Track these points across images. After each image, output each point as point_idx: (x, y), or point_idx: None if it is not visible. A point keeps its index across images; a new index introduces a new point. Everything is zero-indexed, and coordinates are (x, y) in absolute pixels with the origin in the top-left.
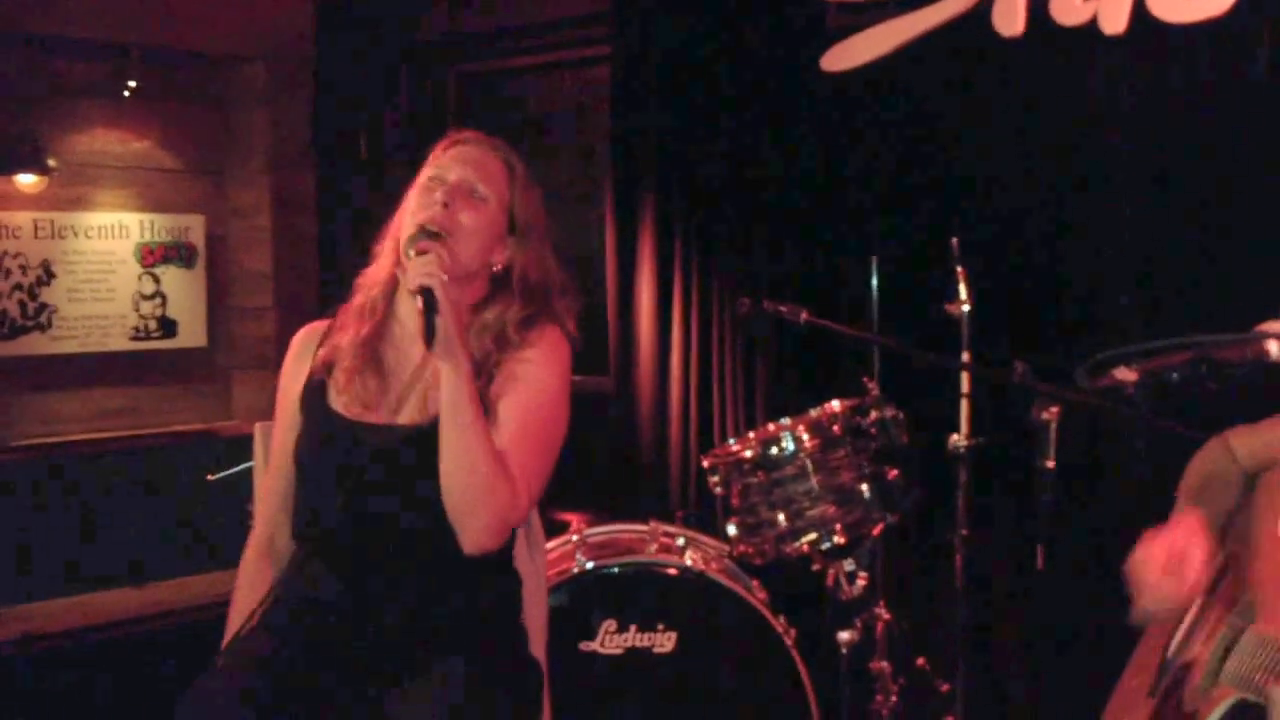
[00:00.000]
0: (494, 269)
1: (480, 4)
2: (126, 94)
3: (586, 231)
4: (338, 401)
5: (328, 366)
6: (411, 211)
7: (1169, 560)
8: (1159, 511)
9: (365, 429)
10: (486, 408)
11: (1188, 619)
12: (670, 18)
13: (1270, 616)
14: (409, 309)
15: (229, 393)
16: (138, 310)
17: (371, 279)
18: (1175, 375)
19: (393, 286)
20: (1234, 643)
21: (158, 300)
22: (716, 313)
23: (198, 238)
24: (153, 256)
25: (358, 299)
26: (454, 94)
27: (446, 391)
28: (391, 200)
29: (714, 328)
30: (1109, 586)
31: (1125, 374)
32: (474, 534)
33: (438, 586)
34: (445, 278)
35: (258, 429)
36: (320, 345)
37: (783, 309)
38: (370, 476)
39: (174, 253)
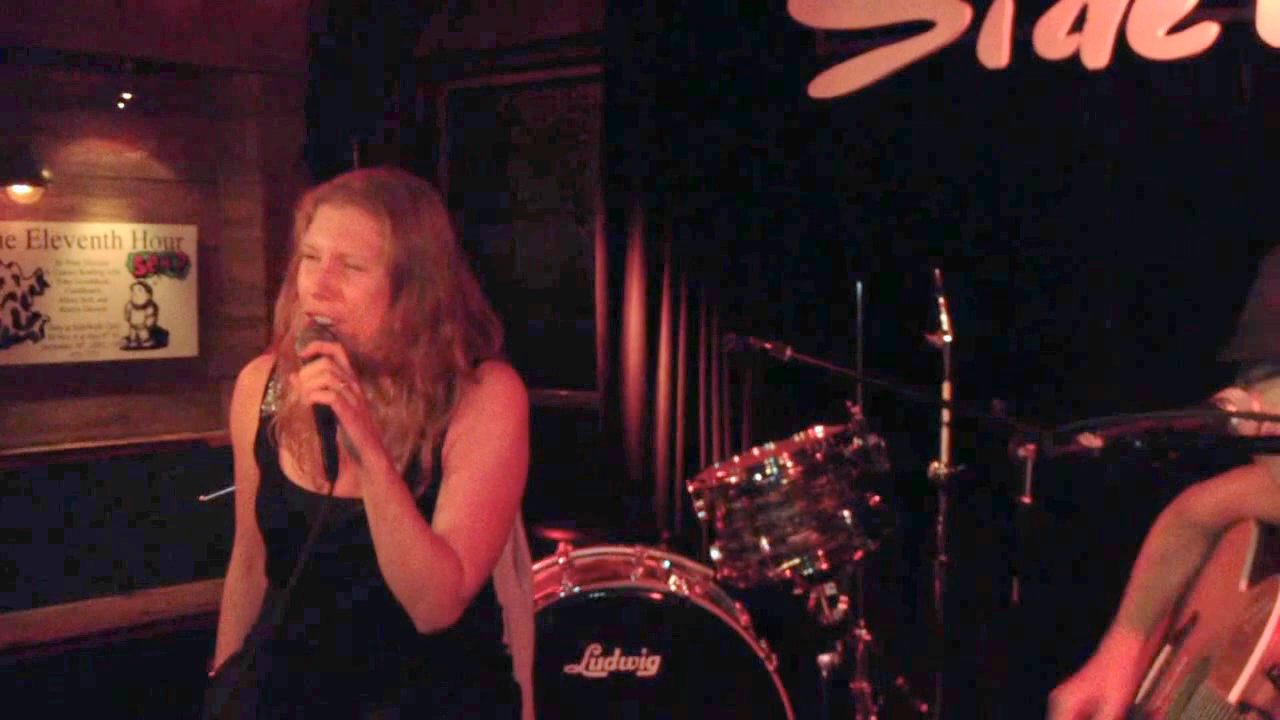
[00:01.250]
0: (393, 329)
1: (473, 21)
2: (120, 105)
3: (576, 248)
4: (292, 469)
5: (277, 430)
6: (302, 290)
7: (1084, 709)
8: (1135, 543)
9: (325, 503)
10: (438, 473)
11: (1156, 666)
12: (661, 39)
13: (1222, 673)
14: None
15: (220, 402)
16: (129, 320)
17: (288, 353)
18: (1138, 443)
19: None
20: (1189, 698)
21: (149, 310)
22: (704, 331)
23: (190, 248)
24: (145, 266)
25: (283, 370)
26: (445, 108)
27: (366, 492)
28: None
29: (701, 346)
30: (1084, 616)
31: (1090, 440)
32: (423, 615)
33: (413, 631)
34: (339, 387)
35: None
36: (266, 390)
37: (768, 346)
38: (338, 546)
39: (166, 263)
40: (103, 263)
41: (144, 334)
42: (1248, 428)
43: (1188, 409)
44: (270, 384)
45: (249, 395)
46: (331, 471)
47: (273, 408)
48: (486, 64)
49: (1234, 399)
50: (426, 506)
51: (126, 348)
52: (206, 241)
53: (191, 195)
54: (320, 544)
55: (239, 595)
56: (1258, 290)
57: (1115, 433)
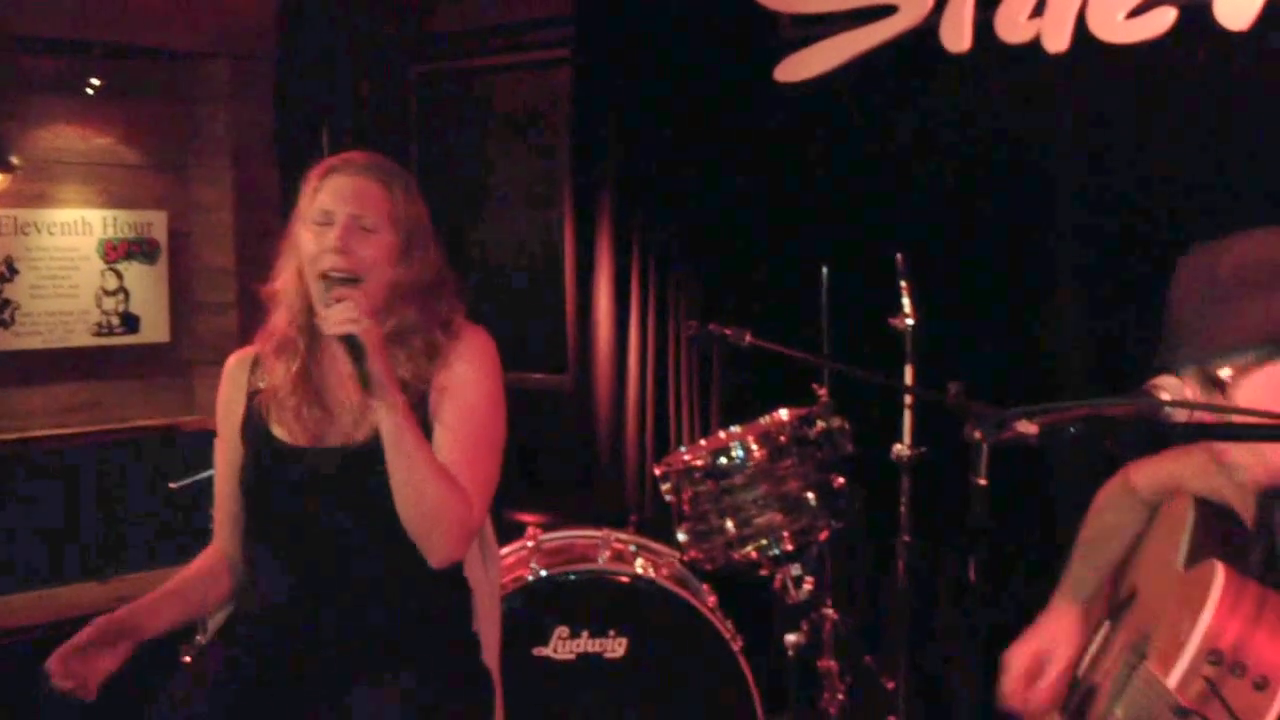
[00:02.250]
0: (398, 288)
1: (443, 5)
2: (89, 90)
3: (547, 231)
4: (283, 433)
5: (266, 403)
6: (310, 257)
7: (1032, 665)
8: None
9: (314, 454)
10: (427, 425)
11: (1096, 640)
12: (629, 24)
13: (1160, 654)
14: (332, 345)
15: (191, 388)
16: (100, 306)
17: (283, 318)
18: (1072, 430)
19: (307, 320)
20: (1129, 677)
21: (120, 296)
22: (673, 314)
23: (160, 233)
24: (115, 252)
25: (276, 339)
26: (415, 92)
27: (386, 426)
28: None
29: (670, 329)
30: (1041, 593)
31: (1026, 427)
32: (438, 549)
33: (389, 599)
34: (366, 322)
35: (217, 445)
36: (251, 373)
37: (728, 332)
38: (323, 497)
39: (137, 248)
40: (73, 249)
41: (115, 320)
42: (1180, 414)
43: (1121, 396)
44: (254, 370)
45: (236, 382)
46: (368, 387)
47: (260, 385)
48: (456, 48)
49: (1167, 386)
50: None
51: (98, 334)
52: (177, 227)
53: (161, 180)
54: (318, 495)
55: (200, 571)
56: (1172, 298)
57: (1051, 419)
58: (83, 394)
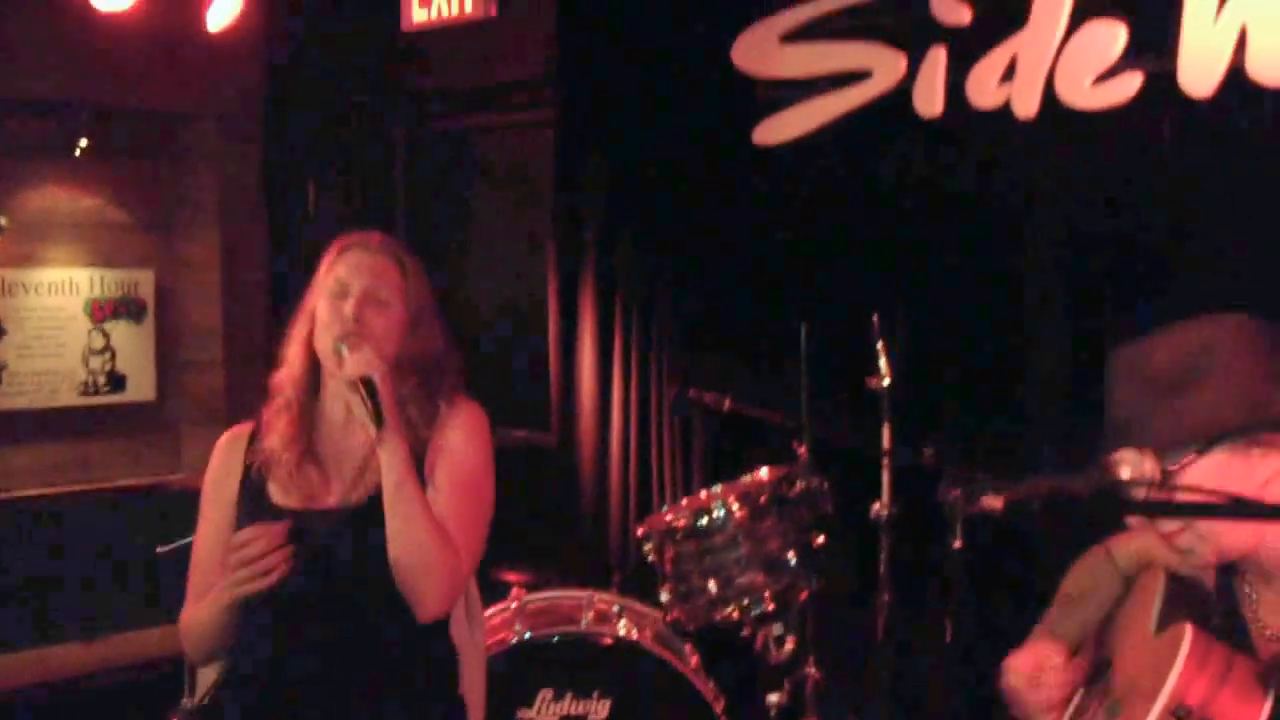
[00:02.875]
0: (403, 360)
1: (428, 65)
2: (77, 152)
3: (531, 289)
4: (278, 494)
5: (264, 468)
6: (325, 324)
7: (1034, 670)
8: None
9: (308, 515)
10: (423, 484)
11: (1071, 708)
12: (610, 87)
13: (1130, 714)
14: (335, 401)
15: (178, 446)
16: (87, 365)
17: (287, 380)
18: (1035, 505)
19: (311, 383)
20: None
21: (107, 355)
22: (655, 372)
23: (147, 292)
24: (103, 312)
25: (277, 404)
26: (401, 152)
27: (388, 471)
28: None
29: (653, 387)
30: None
31: (992, 501)
32: (428, 599)
33: (378, 660)
34: (384, 367)
35: (203, 510)
36: (248, 449)
37: (707, 397)
38: (318, 558)
39: (124, 308)
40: (60, 308)
41: (102, 379)
42: (1139, 491)
43: (1083, 472)
44: (251, 445)
45: (230, 460)
46: (379, 422)
47: (261, 459)
48: (441, 108)
49: (1127, 460)
50: None
51: (84, 393)
52: (164, 285)
53: (148, 239)
54: (312, 555)
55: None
56: (1109, 393)
57: (1015, 495)
58: (69, 453)
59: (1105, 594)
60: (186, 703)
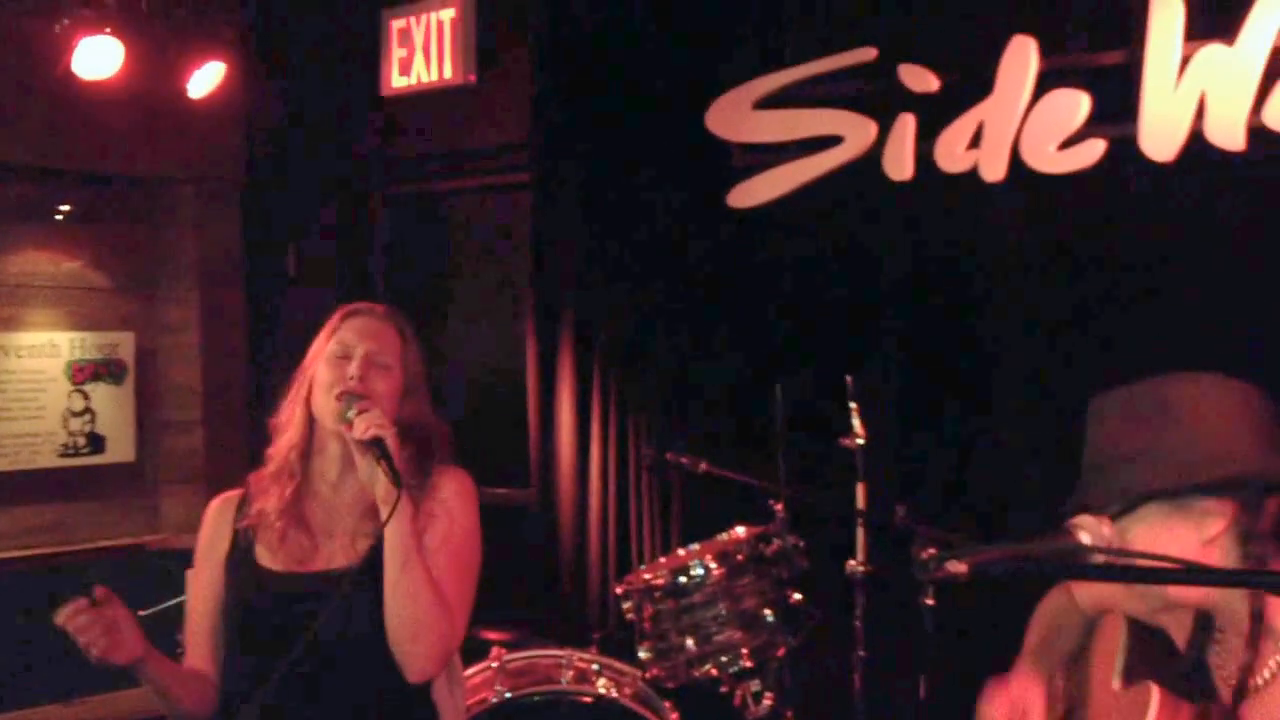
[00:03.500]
0: (399, 425)
1: (407, 130)
2: (59, 217)
3: (509, 349)
4: (267, 557)
5: (253, 532)
6: (327, 384)
7: (1011, 715)
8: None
9: (301, 579)
10: None
11: None
12: (585, 151)
13: None
14: (329, 464)
15: (158, 507)
16: (67, 427)
17: (285, 444)
18: (997, 570)
19: (307, 449)
20: None
21: (87, 417)
22: (633, 432)
23: (127, 354)
24: (83, 374)
25: (271, 467)
26: (381, 214)
27: (398, 531)
28: (319, 316)
29: (631, 446)
30: None
31: (956, 567)
32: (419, 661)
33: (359, 717)
34: (393, 429)
35: (189, 575)
36: (238, 513)
37: (684, 460)
38: (303, 620)
39: (104, 369)
40: (40, 371)
41: (81, 441)
42: (1098, 555)
43: (1043, 538)
44: (241, 509)
45: (222, 520)
46: (397, 480)
47: (251, 522)
48: (420, 171)
49: (1086, 525)
50: None
51: (64, 455)
52: (144, 347)
53: (129, 302)
54: (298, 618)
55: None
56: (1089, 440)
57: (978, 559)
58: (48, 515)
59: (1071, 633)
60: None
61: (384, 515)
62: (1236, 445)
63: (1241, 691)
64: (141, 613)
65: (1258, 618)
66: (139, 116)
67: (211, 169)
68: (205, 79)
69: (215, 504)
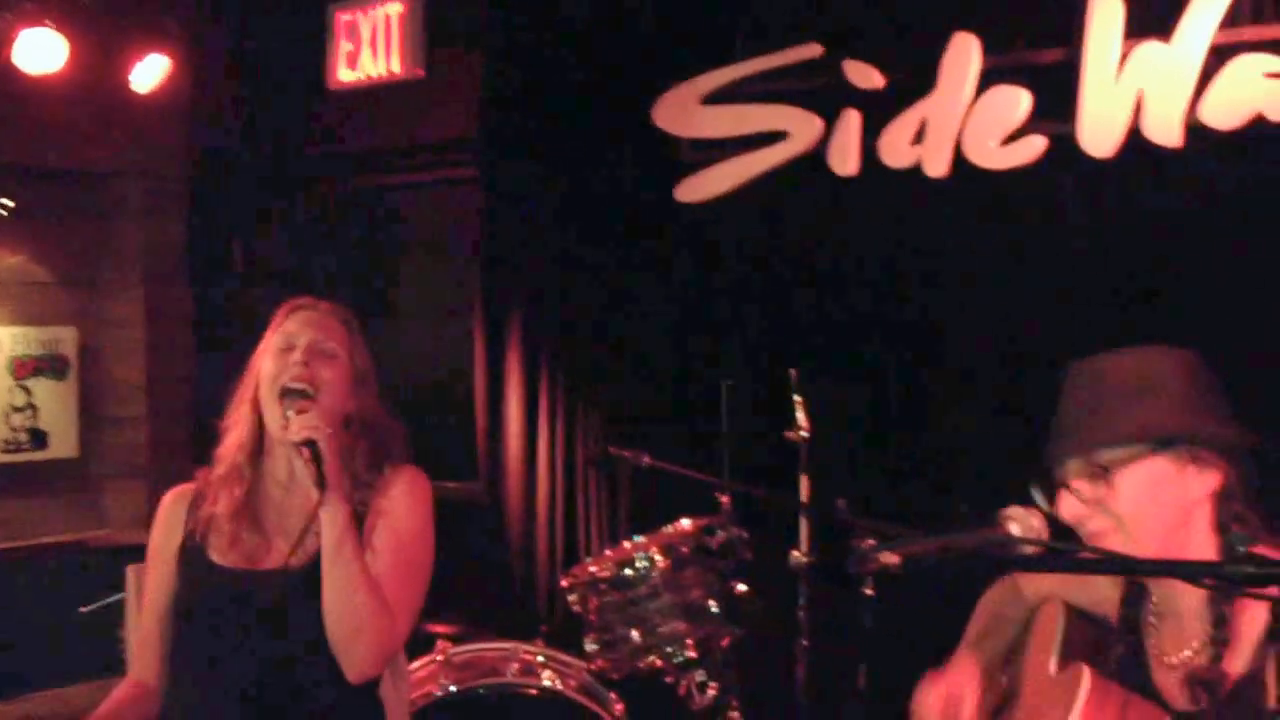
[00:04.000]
0: (347, 417)
1: (355, 126)
2: (1, 211)
3: (458, 344)
4: (219, 557)
5: (205, 528)
6: (272, 376)
7: (945, 707)
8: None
9: (252, 577)
10: (363, 547)
11: None
12: (533, 147)
13: None
14: (279, 462)
15: (101, 503)
16: (9, 422)
17: (234, 444)
18: (929, 562)
19: (256, 448)
20: None
21: (29, 412)
22: (581, 425)
23: (70, 349)
24: (25, 369)
25: (220, 470)
26: (327, 210)
27: (329, 531)
28: (265, 311)
29: (579, 440)
30: None
31: (889, 558)
32: (358, 661)
33: (307, 713)
34: (329, 430)
35: (130, 572)
36: (191, 508)
37: (627, 454)
38: (261, 620)
39: (46, 365)
40: None
41: (23, 436)
42: (1027, 547)
43: (972, 530)
44: (194, 505)
45: (175, 517)
46: (322, 483)
47: (203, 517)
48: (367, 166)
49: (1015, 517)
50: None
51: (5, 450)
52: (87, 343)
53: (72, 297)
54: (248, 617)
55: (124, 696)
56: (1063, 399)
57: (910, 551)
58: None
59: (1013, 624)
60: None
61: (325, 516)
62: (1216, 411)
63: (1192, 663)
64: (83, 609)
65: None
66: (83, 110)
67: (156, 163)
68: (150, 72)
69: (168, 499)
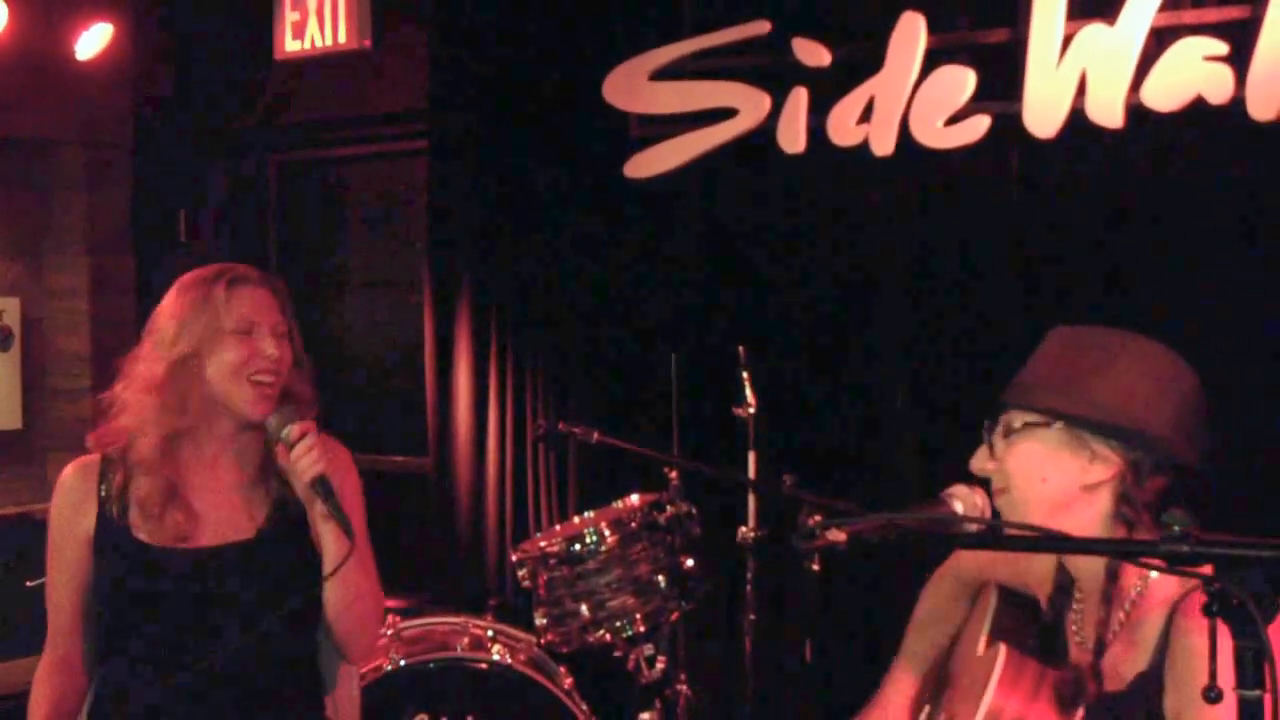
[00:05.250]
0: (290, 396)
1: (301, 95)
2: None
3: (406, 318)
4: (147, 537)
5: (122, 510)
6: (234, 366)
7: None
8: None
9: (184, 555)
10: (306, 527)
11: None
12: (483, 119)
13: None
14: (211, 439)
15: (45, 475)
16: None
17: (156, 427)
18: (873, 539)
19: (185, 425)
20: None
21: None
22: (530, 400)
23: (13, 320)
24: None
25: (142, 452)
26: (273, 181)
27: (337, 548)
28: None
29: (528, 415)
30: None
31: (835, 535)
32: (367, 646)
33: (249, 689)
34: (328, 457)
35: (54, 553)
36: (101, 482)
37: (576, 430)
38: (195, 599)
39: None
40: None
41: None
42: (970, 522)
43: (917, 507)
44: (104, 477)
45: (82, 495)
46: (348, 529)
47: (116, 493)
48: (314, 137)
49: (959, 495)
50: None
51: None
52: (31, 314)
53: (14, 267)
54: (185, 596)
55: (55, 694)
56: (1033, 359)
57: (856, 528)
58: None
59: (953, 616)
60: None
61: (327, 563)
62: (1154, 413)
63: (1098, 649)
64: (29, 583)
65: (1112, 578)
66: (24, 77)
67: (100, 132)
68: (93, 40)
69: (70, 472)
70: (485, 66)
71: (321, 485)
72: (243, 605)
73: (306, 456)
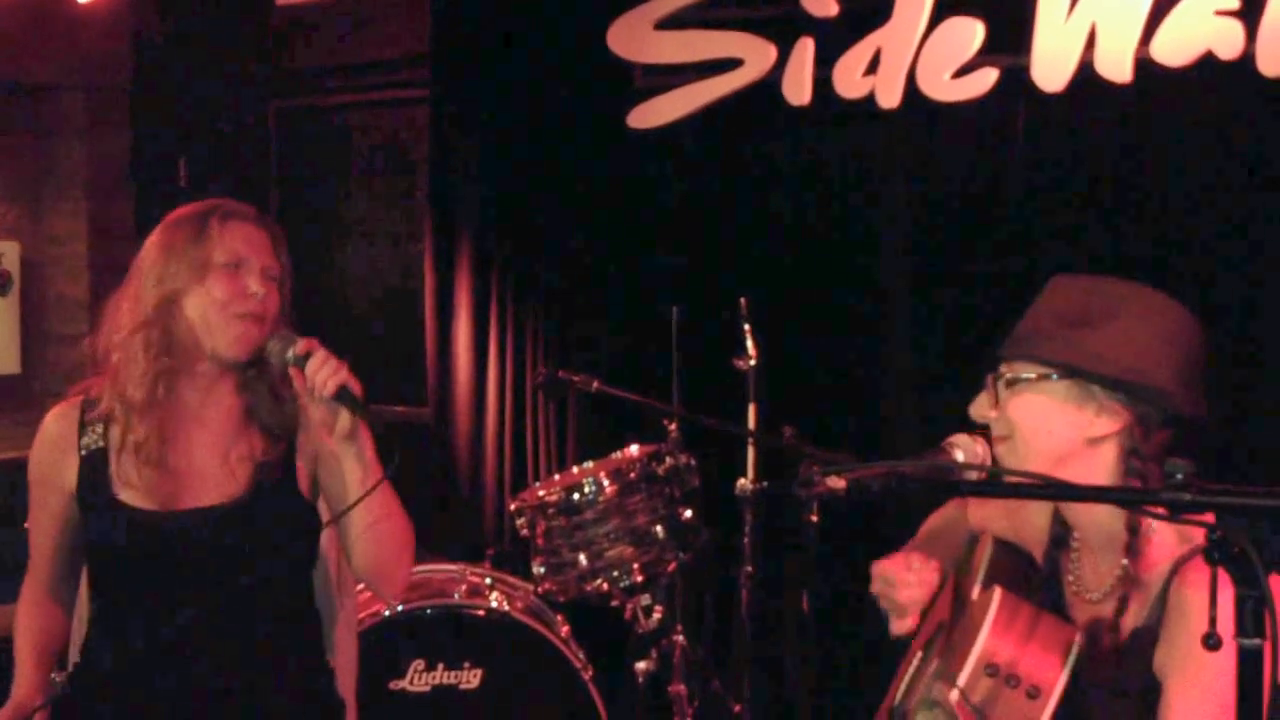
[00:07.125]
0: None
1: (302, 41)
2: None
3: (407, 266)
4: (132, 497)
5: (102, 465)
6: (220, 302)
7: (897, 574)
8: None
9: (175, 516)
10: (293, 466)
11: (910, 669)
12: (486, 67)
13: (950, 672)
14: (194, 393)
15: (43, 420)
16: None
17: (137, 372)
18: (875, 486)
19: (169, 371)
20: (930, 705)
21: None
22: (530, 350)
23: (12, 265)
24: None
25: (135, 395)
26: (274, 127)
27: (360, 466)
28: None
29: (528, 365)
30: (874, 624)
31: (835, 482)
32: (402, 577)
33: (245, 638)
34: (345, 365)
35: (37, 501)
36: (81, 431)
37: (575, 379)
38: (188, 561)
39: None
40: None
41: None
42: (970, 473)
43: (919, 456)
44: (85, 426)
45: (63, 440)
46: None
47: (98, 444)
48: (315, 83)
49: (960, 444)
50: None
51: None
52: (30, 258)
53: (14, 211)
54: (173, 557)
55: (37, 629)
56: (1034, 307)
57: (856, 475)
58: None
59: (955, 537)
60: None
61: (351, 487)
62: (1159, 365)
63: (1084, 610)
64: (27, 525)
65: (1116, 531)
66: (23, 21)
67: (99, 77)
68: None
69: (53, 421)
70: (488, 14)
71: (346, 395)
72: (233, 564)
73: (325, 367)
